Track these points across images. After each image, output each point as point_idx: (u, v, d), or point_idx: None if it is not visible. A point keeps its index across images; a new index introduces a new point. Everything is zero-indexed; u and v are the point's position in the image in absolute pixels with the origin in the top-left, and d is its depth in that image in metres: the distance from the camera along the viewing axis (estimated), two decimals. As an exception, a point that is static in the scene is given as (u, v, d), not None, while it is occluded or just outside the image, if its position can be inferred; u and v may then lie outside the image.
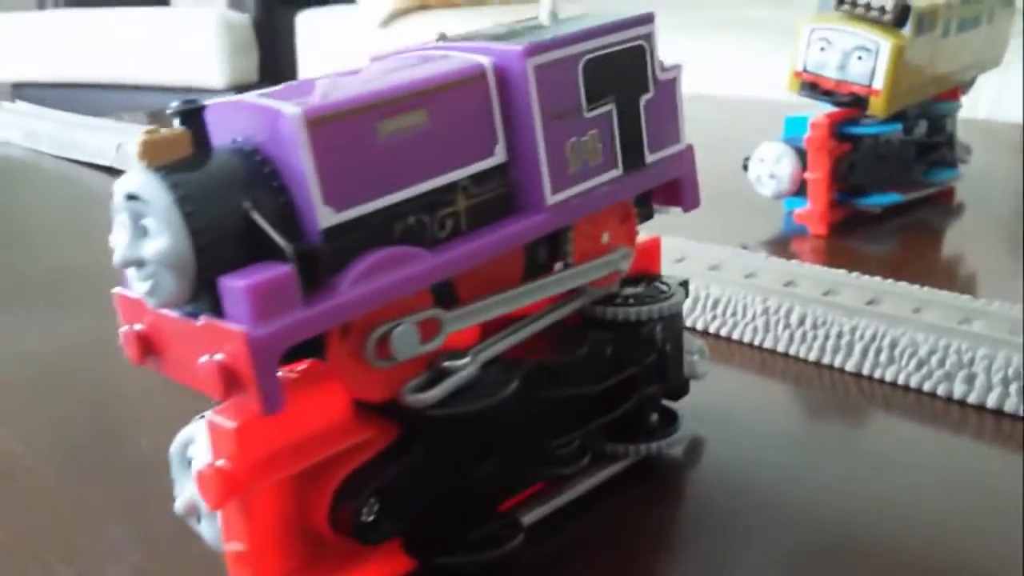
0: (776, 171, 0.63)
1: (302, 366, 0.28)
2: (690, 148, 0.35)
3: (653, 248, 0.38)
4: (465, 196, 0.29)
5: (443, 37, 0.32)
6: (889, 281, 0.49)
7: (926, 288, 0.47)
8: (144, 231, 0.25)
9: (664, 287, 0.36)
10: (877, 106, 0.61)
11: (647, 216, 0.36)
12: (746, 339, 0.48)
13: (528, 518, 0.32)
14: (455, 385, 0.29)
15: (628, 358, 0.34)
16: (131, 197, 0.25)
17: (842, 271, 0.50)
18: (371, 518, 0.28)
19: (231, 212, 0.25)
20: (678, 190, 0.35)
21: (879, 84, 0.60)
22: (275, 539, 0.27)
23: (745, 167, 0.65)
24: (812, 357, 0.45)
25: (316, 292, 0.25)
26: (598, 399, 0.34)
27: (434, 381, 0.29)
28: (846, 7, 0.61)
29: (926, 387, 0.42)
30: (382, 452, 0.28)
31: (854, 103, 0.62)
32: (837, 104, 0.62)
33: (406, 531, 0.29)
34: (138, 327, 0.27)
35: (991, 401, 0.40)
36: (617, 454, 0.35)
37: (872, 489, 0.35)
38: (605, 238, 0.34)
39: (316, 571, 0.28)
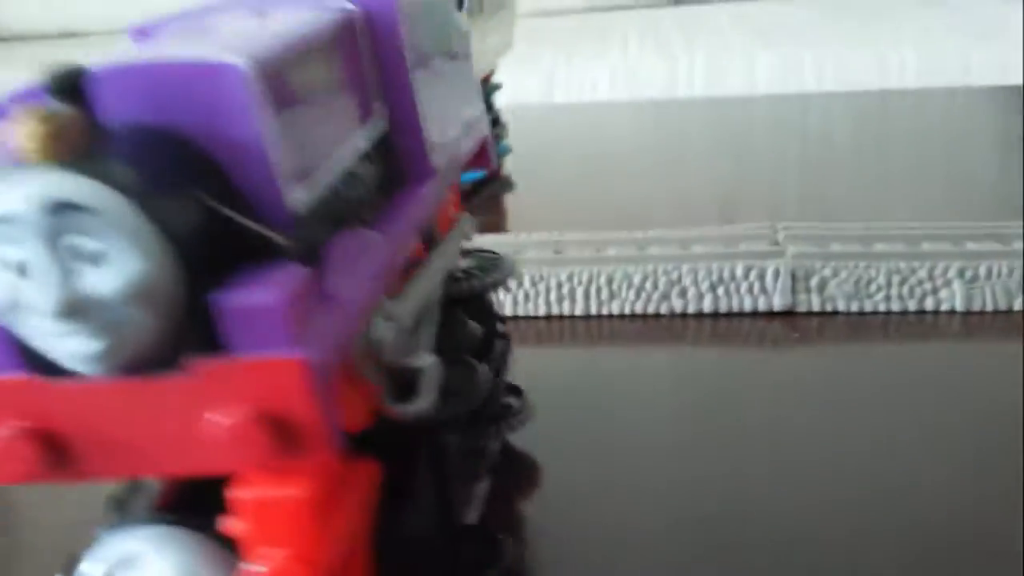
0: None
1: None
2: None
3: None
4: (370, 165, 0.24)
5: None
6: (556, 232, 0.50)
7: (602, 232, 0.50)
8: (85, 259, 0.16)
9: (491, 254, 0.33)
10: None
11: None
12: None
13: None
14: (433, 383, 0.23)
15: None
16: (61, 208, 0.16)
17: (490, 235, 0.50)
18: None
19: (194, 209, 0.17)
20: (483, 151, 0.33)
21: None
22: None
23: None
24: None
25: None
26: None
27: (405, 385, 0.23)
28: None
29: (650, 310, 0.45)
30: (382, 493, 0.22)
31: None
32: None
33: None
34: (30, 424, 0.18)
35: (706, 306, 0.45)
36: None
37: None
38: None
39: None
